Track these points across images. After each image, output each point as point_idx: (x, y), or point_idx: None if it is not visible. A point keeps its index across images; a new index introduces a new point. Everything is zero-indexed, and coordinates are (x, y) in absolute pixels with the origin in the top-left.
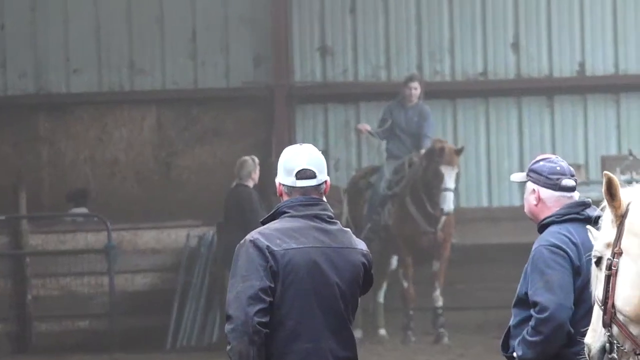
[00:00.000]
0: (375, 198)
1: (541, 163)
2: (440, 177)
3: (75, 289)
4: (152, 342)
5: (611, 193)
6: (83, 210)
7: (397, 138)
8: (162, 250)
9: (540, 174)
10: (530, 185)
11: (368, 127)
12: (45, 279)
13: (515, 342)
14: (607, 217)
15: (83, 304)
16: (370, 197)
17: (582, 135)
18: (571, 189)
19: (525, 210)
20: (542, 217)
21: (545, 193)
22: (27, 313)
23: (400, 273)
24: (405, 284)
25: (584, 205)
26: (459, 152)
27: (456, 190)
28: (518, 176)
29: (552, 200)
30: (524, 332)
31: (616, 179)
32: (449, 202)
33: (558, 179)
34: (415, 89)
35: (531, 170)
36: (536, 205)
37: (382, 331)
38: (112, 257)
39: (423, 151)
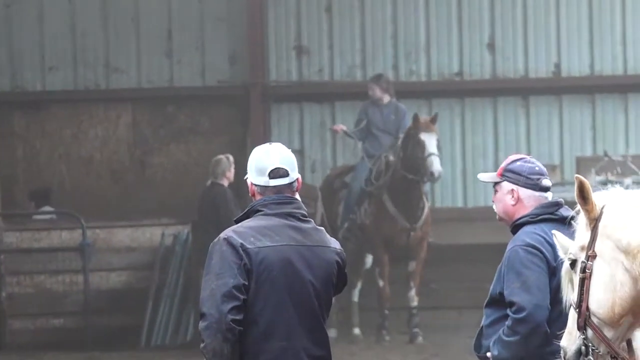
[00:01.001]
0: (351, 197)
1: (519, 163)
2: (421, 145)
3: (50, 287)
4: (127, 340)
5: (583, 196)
6: (47, 209)
7: (373, 137)
8: (137, 249)
9: (520, 174)
10: (507, 186)
11: (344, 127)
12: (19, 276)
13: (487, 342)
14: (581, 220)
15: (58, 301)
16: (346, 196)
17: (558, 135)
18: (548, 189)
19: (499, 210)
20: (518, 217)
21: (525, 193)
22: (1, 311)
23: (376, 272)
24: (381, 283)
25: (558, 205)
26: (433, 120)
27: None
28: (487, 176)
29: (532, 200)
30: (500, 332)
31: (587, 182)
32: (437, 165)
33: (538, 179)
34: (373, 90)
35: (508, 171)
36: (514, 205)
37: (357, 330)
38: (87, 255)
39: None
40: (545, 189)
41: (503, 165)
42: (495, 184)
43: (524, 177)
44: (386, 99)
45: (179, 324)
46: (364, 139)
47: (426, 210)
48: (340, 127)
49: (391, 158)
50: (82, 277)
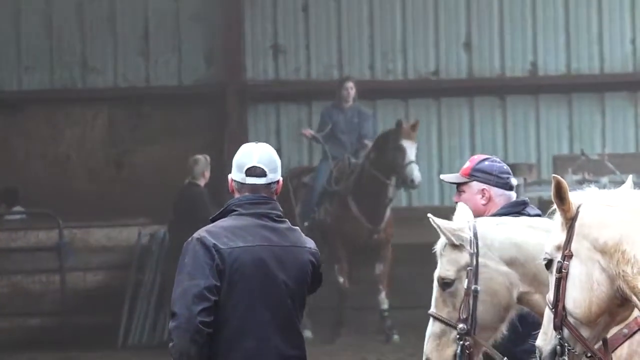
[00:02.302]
0: (313, 196)
1: (487, 163)
2: (402, 152)
3: (27, 287)
4: (104, 340)
5: (560, 196)
6: (18, 209)
7: (336, 139)
8: (113, 248)
9: (491, 174)
10: (477, 185)
11: (312, 132)
12: None
13: None
14: (557, 220)
15: (35, 301)
16: (306, 196)
17: (534, 134)
18: (515, 188)
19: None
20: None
21: (497, 192)
22: None
23: (335, 269)
24: (341, 280)
25: (524, 204)
26: (414, 127)
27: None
28: (452, 177)
29: (503, 200)
30: None
31: (565, 182)
32: (417, 173)
33: (508, 178)
34: (352, 89)
35: (478, 170)
36: (485, 204)
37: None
38: (64, 255)
39: (368, 143)
40: (513, 188)
41: (469, 165)
42: (462, 184)
43: (495, 177)
44: (351, 100)
45: (156, 324)
46: (327, 141)
47: (388, 212)
48: (309, 131)
49: (353, 160)
50: (59, 276)
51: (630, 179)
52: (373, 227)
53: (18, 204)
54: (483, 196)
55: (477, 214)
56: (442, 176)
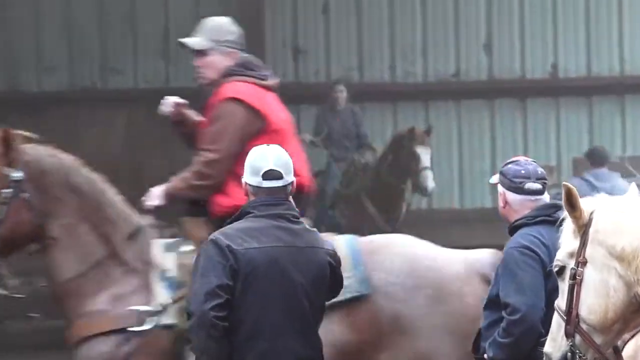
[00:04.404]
0: (323, 199)
1: (509, 166)
2: (416, 158)
3: (45, 290)
4: None
5: (571, 203)
6: None
7: (336, 142)
8: None
9: (506, 177)
10: (499, 188)
11: (308, 136)
12: (16, 278)
13: (486, 344)
14: (568, 227)
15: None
16: (316, 199)
17: (555, 137)
18: (536, 192)
19: (500, 212)
20: (511, 219)
21: (510, 196)
22: None
23: None
24: None
25: (555, 207)
26: (428, 132)
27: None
28: (493, 178)
29: (517, 204)
30: (495, 333)
31: (575, 189)
32: (430, 181)
33: (521, 183)
34: (342, 92)
35: (500, 173)
36: (504, 207)
37: None
38: None
39: (372, 151)
40: (531, 192)
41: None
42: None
43: (509, 180)
44: (343, 103)
45: None
46: (327, 146)
47: (404, 213)
48: (306, 136)
49: (363, 160)
50: None
51: (633, 185)
52: (390, 228)
53: None
54: (502, 199)
55: (504, 216)
56: (491, 179)
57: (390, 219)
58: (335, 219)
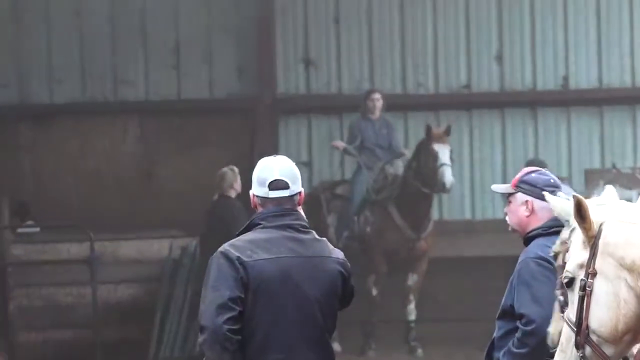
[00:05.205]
0: (349, 207)
1: (534, 175)
2: (434, 155)
3: (58, 300)
4: (135, 353)
5: (581, 214)
6: (30, 223)
7: (369, 150)
8: (144, 261)
9: (535, 186)
10: (521, 197)
11: (344, 144)
12: (27, 289)
13: (499, 354)
14: (577, 238)
15: (66, 314)
16: (342, 207)
17: (566, 148)
18: None
19: (512, 221)
20: (530, 229)
21: (539, 205)
22: (10, 323)
23: (370, 280)
24: (374, 292)
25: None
26: (446, 131)
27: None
28: (501, 187)
29: (545, 212)
30: (510, 343)
31: (585, 201)
32: (448, 175)
33: (553, 192)
34: (378, 100)
35: (523, 182)
36: (528, 216)
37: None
38: (95, 268)
39: (405, 152)
40: None
41: (518, 176)
42: (509, 195)
43: (539, 189)
44: (378, 112)
45: (187, 337)
46: (360, 154)
47: (431, 222)
48: (341, 144)
49: (391, 170)
50: (90, 289)
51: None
52: (416, 236)
53: (30, 219)
54: (526, 208)
55: (520, 226)
56: (493, 186)
57: (416, 228)
58: (360, 227)
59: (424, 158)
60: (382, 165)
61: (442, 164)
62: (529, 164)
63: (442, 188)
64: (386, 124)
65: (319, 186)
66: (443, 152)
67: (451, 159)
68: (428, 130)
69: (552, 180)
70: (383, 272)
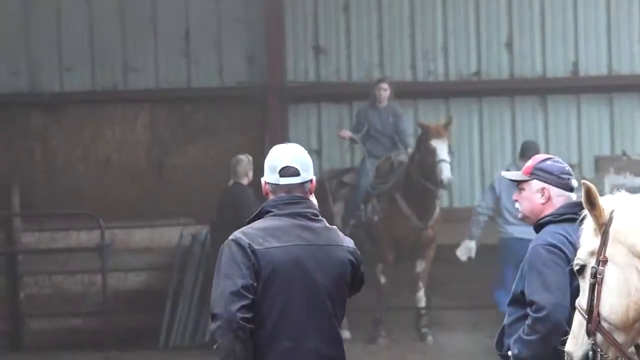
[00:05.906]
0: (358, 195)
1: (549, 162)
2: (432, 151)
3: (68, 287)
4: (145, 341)
5: (591, 202)
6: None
7: (373, 139)
8: (155, 249)
9: (552, 173)
10: (537, 184)
11: (349, 133)
12: (38, 277)
13: (509, 341)
14: (588, 226)
15: (76, 302)
16: (349, 195)
17: (576, 135)
18: (574, 190)
19: (525, 208)
20: (542, 216)
21: (556, 192)
22: (19, 311)
23: (378, 268)
24: (383, 280)
25: (581, 205)
26: (446, 125)
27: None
28: (514, 174)
29: (562, 200)
30: (520, 330)
31: (594, 188)
32: (446, 172)
33: (568, 179)
34: (385, 90)
35: (539, 169)
36: (544, 204)
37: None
38: (105, 256)
39: (409, 150)
40: (573, 190)
41: (531, 163)
42: (522, 182)
43: (556, 177)
44: (385, 100)
45: (198, 324)
46: (364, 141)
47: (437, 210)
48: (347, 133)
49: (398, 158)
50: (101, 277)
51: None
52: (423, 224)
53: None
54: (542, 195)
55: (534, 213)
56: (503, 173)
57: (423, 217)
58: (367, 215)
59: (423, 153)
60: (389, 154)
61: (440, 160)
62: (523, 147)
63: (440, 184)
64: (393, 112)
65: (324, 174)
66: (441, 147)
67: (451, 153)
68: (423, 127)
69: (566, 168)
70: (390, 261)
